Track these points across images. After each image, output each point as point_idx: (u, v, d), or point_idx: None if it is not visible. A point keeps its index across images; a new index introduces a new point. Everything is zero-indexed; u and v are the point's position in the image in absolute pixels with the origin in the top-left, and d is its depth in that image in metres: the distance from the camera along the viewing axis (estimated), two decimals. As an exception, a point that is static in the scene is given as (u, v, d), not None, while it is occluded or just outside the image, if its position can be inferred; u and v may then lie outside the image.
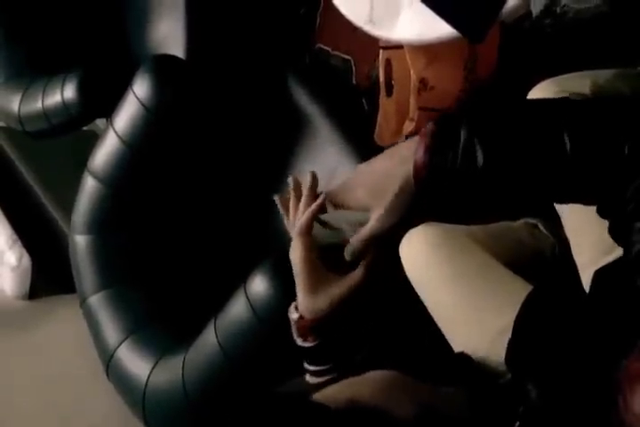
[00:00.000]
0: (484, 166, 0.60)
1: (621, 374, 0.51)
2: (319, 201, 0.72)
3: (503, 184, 0.62)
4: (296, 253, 0.74)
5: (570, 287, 0.90)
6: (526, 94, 0.97)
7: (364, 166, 0.70)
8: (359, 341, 0.77)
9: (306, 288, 0.74)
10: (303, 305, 0.75)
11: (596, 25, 1.26)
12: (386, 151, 0.69)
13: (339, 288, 0.73)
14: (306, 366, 0.78)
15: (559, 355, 0.64)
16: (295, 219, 0.76)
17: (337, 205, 0.72)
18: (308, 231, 0.73)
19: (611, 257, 0.79)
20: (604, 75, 0.90)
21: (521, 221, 1.16)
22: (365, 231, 0.69)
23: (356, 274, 0.73)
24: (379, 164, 0.69)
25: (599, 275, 0.69)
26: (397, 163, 0.65)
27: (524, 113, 0.62)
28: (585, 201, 0.64)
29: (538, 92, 0.90)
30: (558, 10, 1.32)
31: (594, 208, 0.68)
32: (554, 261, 1.12)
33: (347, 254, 0.72)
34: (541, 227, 1.15)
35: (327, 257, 0.75)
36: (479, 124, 0.62)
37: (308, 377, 0.78)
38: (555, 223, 1.16)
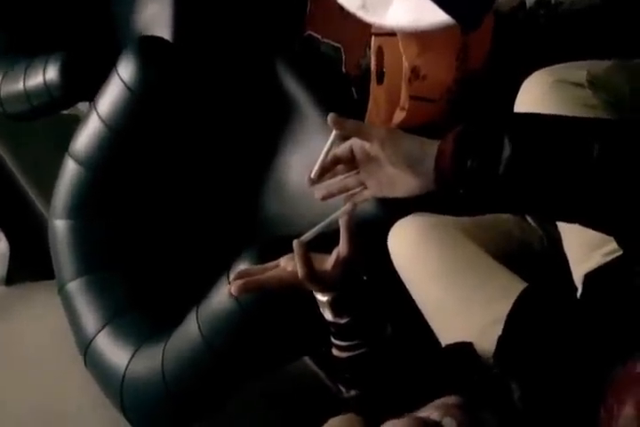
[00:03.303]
0: (509, 162, 0.58)
1: (609, 384, 0.50)
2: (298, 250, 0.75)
3: (524, 184, 0.60)
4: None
5: (561, 284, 0.89)
6: (519, 84, 0.96)
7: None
8: (382, 317, 0.82)
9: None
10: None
11: (590, 16, 1.25)
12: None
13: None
14: (334, 341, 0.82)
15: (547, 358, 0.64)
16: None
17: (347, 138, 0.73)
18: (311, 279, 0.76)
19: (600, 252, 0.78)
20: (600, 65, 0.88)
21: (509, 214, 1.15)
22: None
23: (341, 240, 0.77)
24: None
25: (590, 278, 0.68)
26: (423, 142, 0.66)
27: (562, 125, 0.61)
28: (604, 223, 0.61)
29: (533, 82, 0.89)
30: (553, 0, 1.31)
31: None
32: (542, 255, 1.11)
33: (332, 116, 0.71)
34: (530, 220, 1.14)
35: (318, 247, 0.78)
36: (510, 124, 0.61)
37: (337, 352, 0.82)
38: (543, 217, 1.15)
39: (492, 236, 1.02)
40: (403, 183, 0.69)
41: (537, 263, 1.08)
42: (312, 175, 0.77)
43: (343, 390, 0.82)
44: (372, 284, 0.82)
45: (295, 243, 0.75)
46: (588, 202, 0.57)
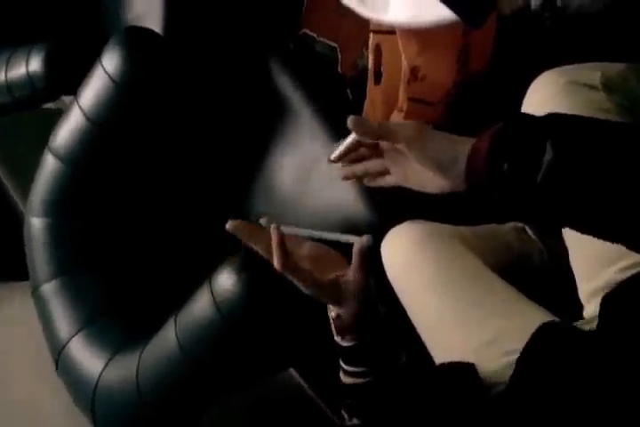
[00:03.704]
0: (549, 168, 0.53)
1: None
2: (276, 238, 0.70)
3: (566, 193, 0.54)
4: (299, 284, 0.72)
5: (564, 301, 0.83)
6: (522, 89, 0.90)
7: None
8: (396, 345, 0.76)
9: (330, 302, 0.74)
10: (336, 311, 0.74)
11: (598, 20, 1.20)
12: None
13: (351, 286, 0.73)
14: (342, 364, 0.76)
15: (562, 398, 0.57)
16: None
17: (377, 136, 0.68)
18: (289, 267, 0.70)
19: (613, 269, 0.72)
20: (613, 67, 0.83)
21: (509, 225, 1.10)
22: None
23: (352, 268, 0.73)
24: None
25: (610, 300, 0.61)
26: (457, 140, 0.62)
27: (612, 130, 0.55)
28: None
29: (542, 82, 0.83)
30: (559, 3, 1.26)
31: None
32: (541, 269, 1.05)
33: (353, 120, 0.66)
34: (530, 232, 1.08)
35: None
36: (555, 128, 0.55)
37: (342, 377, 0.76)
38: (544, 229, 1.10)
39: (492, 247, 0.97)
40: (431, 180, 0.64)
41: (536, 277, 1.03)
42: (332, 157, 0.71)
43: (346, 416, 0.76)
44: (383, 305, 0.77)
45: (272, 228, 0.70)
46: (637, 218, 0.51)
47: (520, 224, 1.09)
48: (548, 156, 0.53)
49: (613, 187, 0.52)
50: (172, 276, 1.30)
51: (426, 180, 0.64)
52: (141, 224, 1.34)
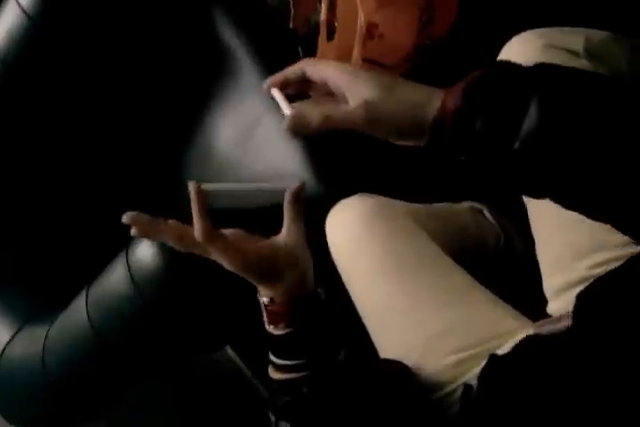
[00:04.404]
0: (530, 133, 0.43)
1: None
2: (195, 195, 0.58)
3: (546, 164, 0.44)
4: (224, 262, 0.61)
5: (523, 294, 0.75)
6: (490, 55, 0.81)
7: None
8: (336, 336, 0.66)
9: (262, 280, 0.63)
10: (266, 293, 0.64)
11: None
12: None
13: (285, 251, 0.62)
14: (272, 358, 0.65)
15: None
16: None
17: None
18: (210, 235, 0.59)
19: (584, 264, 0.64)
20: (598, 35, 0.74)
21: (465, 204, 1.02)
22: (330, 108, 0.52)
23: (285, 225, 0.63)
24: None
25: (585, 297, 0.52)
26: (427, 88, 0.50)
27: (615, 89, 0.44)
28: None
29: (518, 44, 0.74)
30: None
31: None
32: (496, 255, 0.97)
33: (290, 124, 0.54)
34: (487, 213, 1.01)
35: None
36: (544, 82, 0.45)
37: (272, 372, 0.65)
38: (502, 211, 1.02)
39: (447, 229, 0.89)
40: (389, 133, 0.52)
41: (490, 264, 0.95)
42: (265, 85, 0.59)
43: (272, 419, 0.65)
44: (322, 287, 0.66)
45: (191, 185, 0.58)
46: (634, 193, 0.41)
47: (477, 205, 1.01)
48: (531, 115, 0.43)
49: (608, 158, 0.42)
50: (90, 243, 1.17)
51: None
52: (55, 186, 1.19)
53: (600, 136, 0.42)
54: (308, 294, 0.63)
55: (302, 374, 0.63)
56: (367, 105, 0.50)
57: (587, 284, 0.56)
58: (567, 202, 0.46)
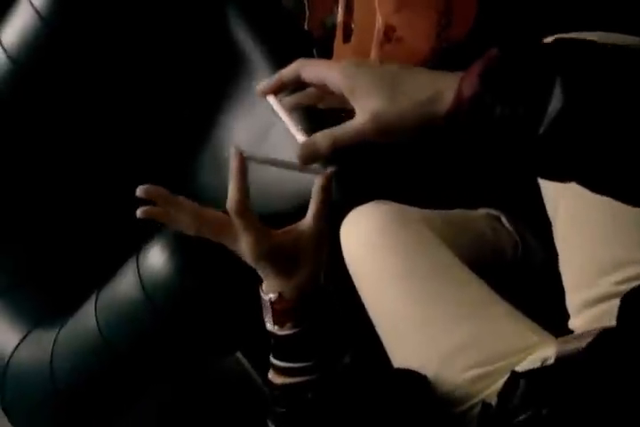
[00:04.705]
0: (556, 118, 0.40)
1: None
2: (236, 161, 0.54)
3: (572, 150, 0.41)
4: (245, 244, 0.57)
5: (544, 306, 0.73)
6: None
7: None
8: (342, 338, 0.63)
9: (273, 269, 0.59)
10: (276, 288, 0.59)
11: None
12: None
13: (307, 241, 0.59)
14: (274, 361, 0.61)
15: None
16: None
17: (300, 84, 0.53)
18: (243, 209, 0.55)
19: (610, 279, 0.62)
20: (620, 39, 0.71)
21: (482, 211, 0.99)
22: (338, 128, 0.49)
23: (307, 225, 0.59)
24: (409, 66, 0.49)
25: (630, 298, 0.50)
26: (438, 74, 0.46)
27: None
28: None
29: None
30: (554, -33, 1.14)
31: (600, 215, 0.56)
32: (514, 264, 0.95)
33: (301, 154, 0.52)
34: (504, 220, 0.98)
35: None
36: (568, 61, 0.41)
37: (273, 376, 0.61)
38: (520, 218, 1.00)
39: (464, 236, 0.87)
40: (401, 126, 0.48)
41: (509, 274, 0.93)
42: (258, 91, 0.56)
43: None
44: (331, 288, 0.63)
45: (233, 149, 0.55)
46: None
47: (494, 212, 0.98)
48: (556, 97, 0.40)
49: (637, 137, 0.39)
50: (101, 247, 1.15)
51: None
52: (67, 187, 1.18)
53: (629, 115, 0.39)
54: (318, 292, 0.60)
55: (308, 377, 0.60)
56: (375, 118, 0.47)
57: (611, 301, 0.54)
58: (595, 185, 0.43)
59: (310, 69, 0.51)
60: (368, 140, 0.49)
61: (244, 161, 0.55)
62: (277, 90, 0.54)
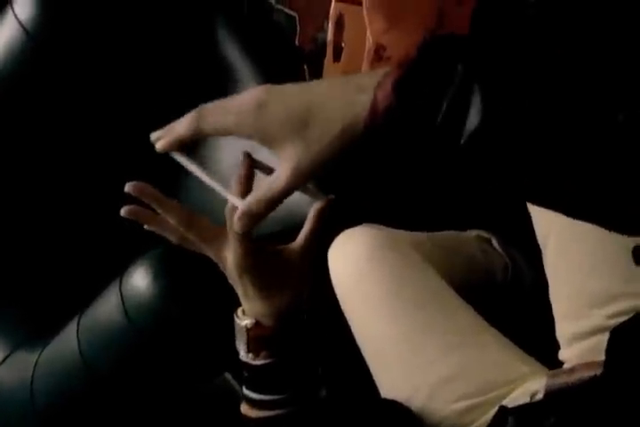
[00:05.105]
0: (477, 129, 0.38)
1: None
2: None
3: (496, 161, 0.39)
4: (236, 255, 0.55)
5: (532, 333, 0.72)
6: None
7: (288, 86, 0.47)
8: (321, 370, 0.61)
9: (255, 295, 0.56)
10: (256, 310, 0.57)
11: (589, 12, 1.08)
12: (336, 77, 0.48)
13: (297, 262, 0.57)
14: (247, 393, 0.59)
15: None
16: None
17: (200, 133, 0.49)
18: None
19: (602, 312, 0.61)
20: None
21: (472, 233, 0.98)
22: (265, 188, 0.47)
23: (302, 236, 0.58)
24: (316, 85, 0.47)
25: (619, 334, 0.49)
26: (349, 90, 0.43)
27: (557, 62, 0.39)
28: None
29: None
30: (546, -13, 1.13)
31: (591, 246, 0.57)
32: (504, 288, 0.94)
33: (235, 226, 0.50)
34: (495, 242, 0.97)
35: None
36: (487, 65, 0.39)
37: (245, 409, 0.59)
38: (510, 241, 0.98)
39: (453, 260, 0.85)
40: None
41: (499, 298, 0.91)
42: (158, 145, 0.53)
43: None
44: (311, 315, 0.61)
45: (242, 155, 0.54)
46: (597, 189, 0.37)
47: (485, 234, 0.97)
48: (474, 112, 0.38)
49: (572, 155, 0.38)
50: (84, 269, 1.13)
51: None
52: (49, 204, 1.15)
53: (548, 122, 0.37)
54: (298, 320, 0.59)
55: (282, 411, 0.58)
56: (296, 167, 0.44)
57: (601, 334, 0.53)
58: (521, 194, 0.42)
59: (209, 121, 0.47)
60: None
61: (252, 167, 0.54)
62: (180, 147, 0.51)
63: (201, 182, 0.56)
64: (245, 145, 0.52)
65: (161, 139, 0.51)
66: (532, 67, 0.39)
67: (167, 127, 0.51)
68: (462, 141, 0.38)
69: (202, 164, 0.54)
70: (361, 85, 0.42)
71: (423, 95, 0.39)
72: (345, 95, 0.43)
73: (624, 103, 0.36)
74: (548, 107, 0.37)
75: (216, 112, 0.48)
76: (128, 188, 0.55)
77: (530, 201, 0.43)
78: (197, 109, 0.49)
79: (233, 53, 1.19)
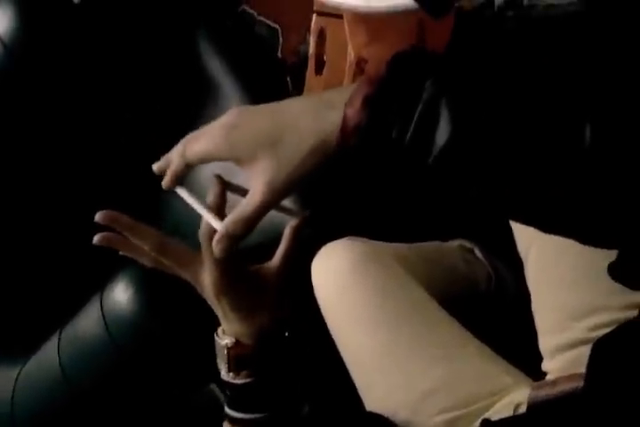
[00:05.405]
0: (445, 147, 0.38)
1: None
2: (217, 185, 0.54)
3: (466, 178, 0.40)
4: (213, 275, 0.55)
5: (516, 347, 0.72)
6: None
7: (261, 107, 0.48)
8: (301, 389, 0.60)
9: (234, 316, 0.57)
10: (235, 330, 0.57)
11: (567, 24, 1.09)
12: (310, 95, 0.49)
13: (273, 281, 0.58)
14: (228, 412, 0.59)
15: None
16: None
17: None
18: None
19: (583, 325, 0.61)
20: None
21: (454, 243, 0.99)
22: (241, 209, 0.47)
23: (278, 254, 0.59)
24: (287, 104, 0.47)
25: (601, 346, 0.49)
26: (320, 108, 0.43)
27: (526, 79, 0.40)
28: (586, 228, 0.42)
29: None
30: (525, 1, 1.15)
31: (572, 260, 0.57)
32: (487, 298, 0.94)
33: (215, 249, 0.51)
34: (478, 252, 0.97)
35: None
36: (455, 81, 0.39)
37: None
38: (493, 250, 0.99)
39: (437, 272, 0.86)
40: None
41: (482, 308, 0.92)
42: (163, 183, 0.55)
43: None
44: (293, 331, 0.61)
45: (214, 177, 0.55)
46: (570, 203, 0.38)
47: (468, 244, 0.98)
48: (442, 129, 0.38)
49: (540, 171, 0.38)
50: (65, 282, 1.12)
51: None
52: (29, 221, 1.14)
53: (517, 135, 0.38)
54: (278, 339, 0.59)
55: None
56: (269, 187, 0.45)
57: (583, 347, 0.53)
58: (493, 208, 0.42)
59: (194, 151, 0.49)
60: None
61: (224, 188, 0.54)
62: (180, 180, 0.53)
63: (182, 198, 0.56)
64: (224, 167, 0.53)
65: (162, 171, 0.53)
66: (501, 82, 0.40)
67: (164, 159, 0.53)
68: (431, 159, 0.39)
69: (195, 193, 0.55)
70: (331, 102, 0.43)
71: (391, 112, 0.40)
72: (316, 112, 0.44)
73: (592, 117, 0.37)
74: (516, 123, 0.38)
75: (197, 140, 0.49)
76: (98, 217, 0.55)
77: (502, 215, 0.44)
78: (182, 141, 0.51)
79: (215, 66, 1.19)
